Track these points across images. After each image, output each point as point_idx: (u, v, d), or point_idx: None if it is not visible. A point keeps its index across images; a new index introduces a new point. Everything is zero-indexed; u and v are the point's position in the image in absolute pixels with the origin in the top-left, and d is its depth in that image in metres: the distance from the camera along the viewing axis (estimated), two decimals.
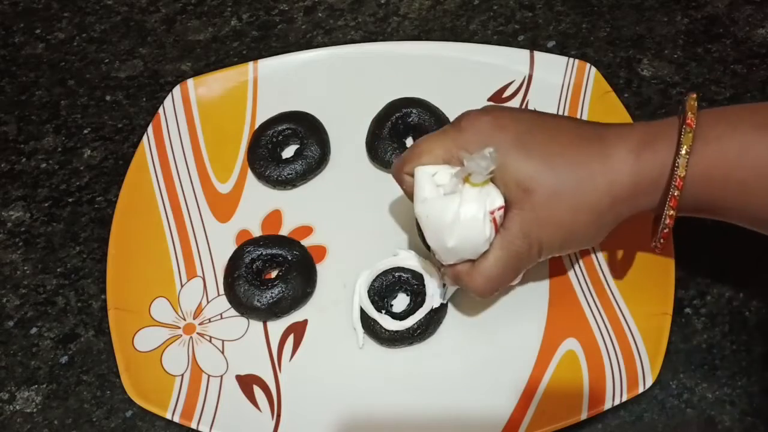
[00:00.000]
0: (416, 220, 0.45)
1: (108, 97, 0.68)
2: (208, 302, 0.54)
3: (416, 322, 0.51)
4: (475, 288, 0.44)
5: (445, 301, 0.51)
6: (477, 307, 0.53)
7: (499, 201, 0.43)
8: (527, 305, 0.52)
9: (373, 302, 0.52)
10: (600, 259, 0.54)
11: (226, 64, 0.68)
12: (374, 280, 0.53)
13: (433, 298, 0.51)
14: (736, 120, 0.41)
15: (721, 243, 0.54)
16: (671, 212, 0.41)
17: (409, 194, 0.46)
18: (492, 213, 0.42)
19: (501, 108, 0.45)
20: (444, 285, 0.51)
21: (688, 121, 0.41)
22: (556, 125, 0.44)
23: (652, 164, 0.41)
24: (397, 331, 0.51)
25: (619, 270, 0.53)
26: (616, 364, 0.49)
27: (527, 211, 0.42)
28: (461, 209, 0.42)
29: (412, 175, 0.45)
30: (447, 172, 0.44)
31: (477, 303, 0.53)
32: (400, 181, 0.47)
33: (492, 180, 0.43)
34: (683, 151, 0.40)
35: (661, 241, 0.43)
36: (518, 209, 0.42)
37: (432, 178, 0.44)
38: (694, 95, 0.42)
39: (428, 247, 0.47)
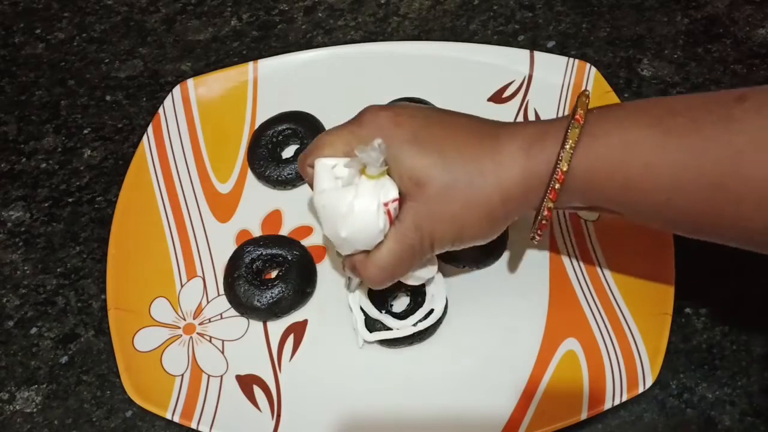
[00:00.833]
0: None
1: (108, 97, 0.68)
2: (208, 302, 0.54)
3: (416, 322, 0.51)
4: (368, 277, 0.45)
5: (351, 291, 0.52)
6: (477, 308, 0.53)
7: (393, 193, 0.43)
8: (527, 305, 0.52)
9: (373, 302, 0.52)
10: (600, 259, 0.54)
11: (226, 64, 0.68)
12: None
13: (434, 298, 0.51)
14: (624, 117, 0.41)
15: (721, 243, 0.54)
16: (550, 204, 0.42)
17: (311, 185, 0.46)
18: (386, 205, 0.43)
19: (403, 105, 0.45)
20: (348, 278, 0.51)
21: (577, 116, 0.41)
22: (454, 122, 0.45)
23: (540, 161, 0.42)
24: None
25: (619, 270, 0.53)
26: (616, 364, 0.49)
27: (420, 204, 0.43)
28: (356, 201, 0.43)
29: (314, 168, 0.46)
30: (347, 166, 0.44)
31: (477, 303, 0.53)
32: (304, 173, 0.47)
33: (389, 173, 0.44)
34: (567, 146, 0.41)
35: (539, 232, 0.44)
36: (412, 202, 0.43)
37: (331, 170, 0.45)
38: (587, 92, 0.43)
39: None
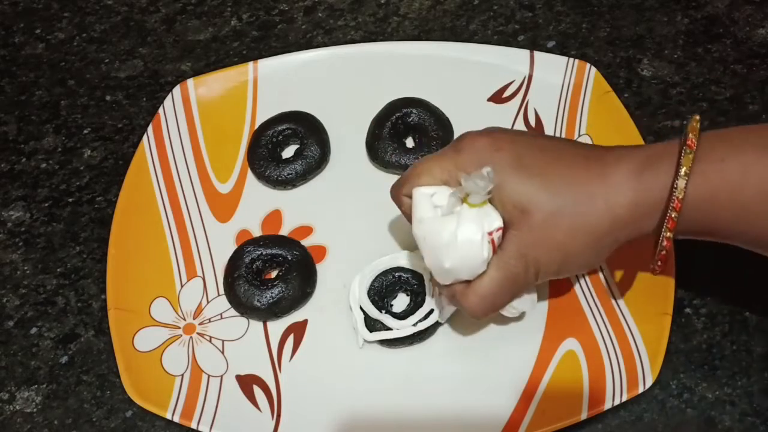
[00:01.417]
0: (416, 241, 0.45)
1: (108, 97, 0.68)
2: (208, 302, 0.54)
3: (416, 322, 0.51)
4: (469, 307, 0.44)
5: (443, 322, 0.51)
6: None
7: (498, 222, 0.42)
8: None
9: (373, 302, 0.52)
10: None
11: (226, 64, 0.68)
12: (374, 280, 0.53)
13: (435, 312, 0.51)
14: (739, 141, 0.40)
15: (721, 243, 0.54)
16: (668, 234, 0.41)
17: (408, 216, 0.46)
18: (490, 234, 0.42)
19: (500, 129, 0.44)
20: (442, 306, 0.50)
21: (689, 142, 0.40)
22: (555, 146, 0.44)
23: (653, 186, 0.41)
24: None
25: (619, 270, 0.53)
26: (616, 364, 0.49)
27: (525, 233, 0.42)
28: (459, 230, 0.42)
29: (411, 197, 0.45)
30: (445, 193, 0.43)
31: None
32: (399, 203, 0.46)
33: (490, 201, 0.43)
34: (682, 172, 0.39)
35: (659, 263, 0.43)
36: (516, 230, 0.42)
37: (430, 199, 0.44)
38: (697, 117, 0.41)
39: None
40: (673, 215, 0.40)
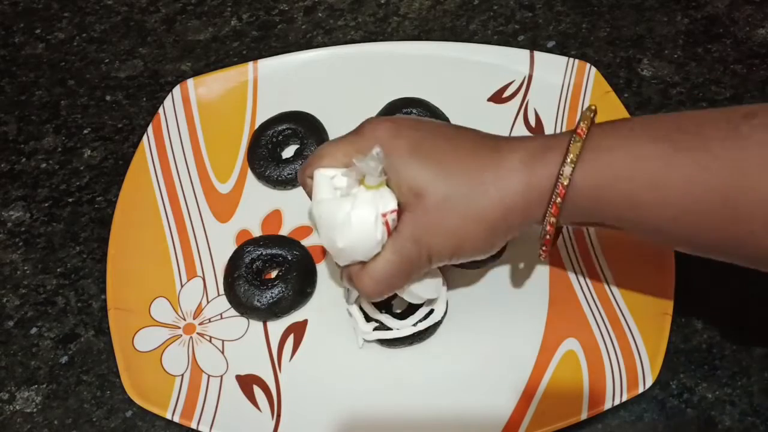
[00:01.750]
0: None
1: (108, 97, 0.68)
2: (208, 302, 0.54)
3: (416, 322, 0.51)
4: (363, 289, 0.44)
5: (350, 304, 0.51)
6: (477, 308, 0.53)
7: (392, 204, 0.43)
8: (527, 305, 0.52)
9: (373, 302, 0.52)
10: (600, 259, 0.54)
11: (226, 64, 0.68)
12: None
13: (436, 311, 0.51)
14: (629, 132, 0.41)
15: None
16: (552, 219, 0.41)
17: (310, 196, 0.46)
18: (384, 216, 0.42)
19: (403, 117, 0.45)
20: (347, 290, 0.50)
21: (579, 131, 0.41)
22: (455, 135, 0.44)
23: (543, 175, 0.41)
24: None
25: (619, 270, 0.53)
26: (616, 364, 0.49)
27: (419, 216, 0.42)
28: (353, 211, 0.42)
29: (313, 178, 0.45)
30: (345, 175, 0.44)
31: (477, 303, 0.53)
32: (303, 184, 0.47)
33: (388, 184, 0.43)
34: (569, 160, 0.40)
35: (543, 248, 0.43)
36: (410, 213, 0.42)
37: (330, 181, 0.44)
38: (593, 107, 0.42)
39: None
40: (557, 201, 0.41)
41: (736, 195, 0.37)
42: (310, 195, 0.46)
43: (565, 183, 0.40)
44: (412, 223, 0.43)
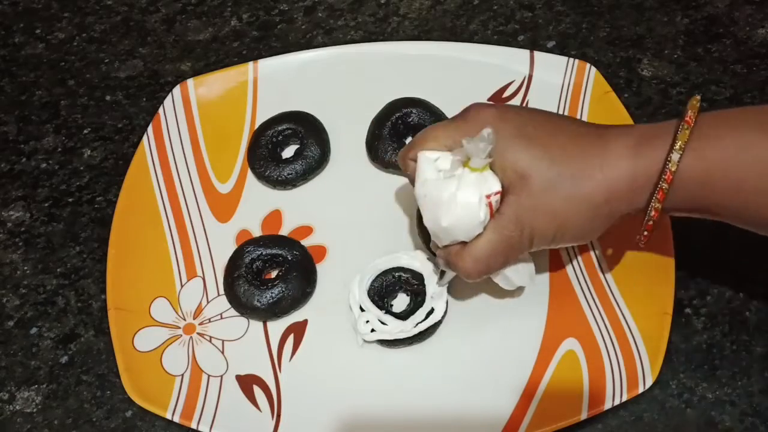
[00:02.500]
0: (417, 208, 0.46)
1: (108, 97, 0.68)
2: (208, 302, 0.54)
3: (417, 323, 0.51)
4: (463, 268, 0.45)
5: (442, 285, 0.51)
6: (477, 308, 0.53)
7: (496, 186, 0.43)
8: (527, 305, 0.52)
9: (373, 302, 0.52)
10: (600, 259, 0.54)
11: (226, 64, 0.68)
12: (374, 280, 0.53)
13: (434, 298, 0.51)
14: (736, 121, 0.41)
15: (721, 243, 0.54)
16: (657, 205, 0.42)
17: (412, 179, 0.47)
18: (488, 197, 0.43)
19: (502, 103, 0.46)
20: (441, 271, 0.51)
21: (687, 118, 0.41)
22: (558, 121, 0.45)
23: (650, 161, 0.42)
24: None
25: (619, 270, 0.53)
26: (616, 364, 0.49)
27: (523, 198, 0.43)
28: (458, 191, 0.43)
29: (416, 161, 0.46)
30: (449, 158, 0.45)
31: (477, 303, 0.53)
32: (405, 167, 0.48)
33: (491, 167, 0.44)
34: (677, 146, 0.40)
35: (645, 233, 0.44)
36: (514, 195, 0.43)
37: (434, 163, 0.45)
38: (698, 96, 0.42)
39: (424, 237, 0.49)
40: (663, 186, 0.41)
41: None
42: (411, 178, 0.47)
43: (673, 169, 0.41)
44: (516, 205, 0.43)
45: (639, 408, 0.49)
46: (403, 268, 0.53)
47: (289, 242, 0.55)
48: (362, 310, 0.52)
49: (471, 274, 0.45)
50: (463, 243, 0.45)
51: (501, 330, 0.52)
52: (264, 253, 0.54)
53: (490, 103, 0.46)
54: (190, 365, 0.51)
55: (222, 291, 0.54)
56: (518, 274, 0.48)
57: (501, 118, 0.44)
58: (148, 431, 0.51)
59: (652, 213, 0.42)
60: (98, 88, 0.68)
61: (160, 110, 0.62)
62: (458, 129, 0.45)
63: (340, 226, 0.57)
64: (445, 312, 0.52)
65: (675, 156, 0.40)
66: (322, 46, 0.67)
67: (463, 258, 0.45)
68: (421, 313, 0.51)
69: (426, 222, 0.46)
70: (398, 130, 0.60)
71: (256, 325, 0.53)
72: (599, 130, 0.44)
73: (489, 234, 0.44)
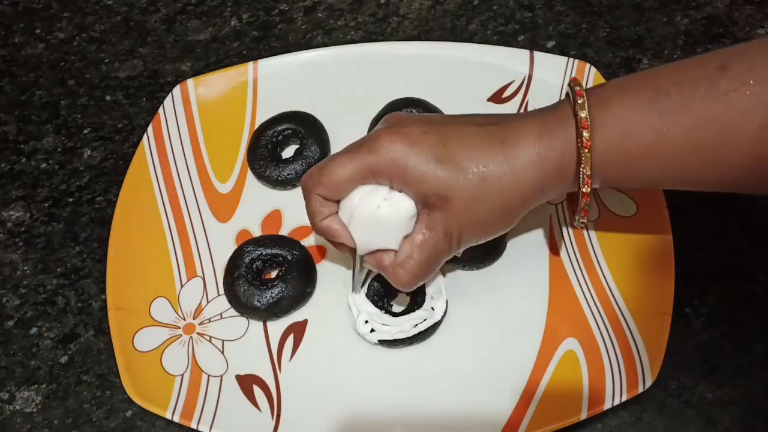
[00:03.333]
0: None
1: (108, 97, 0.68)
2: (208, 302, 0.54)
3: (417, 323, 0.51)
4: (398, 280, 0.47)
5: (357, 292, 0.52)
6: (477, 308, 0.53)
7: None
8: (527, 305, 0.52)
9: (373, 302, 0.52)
10: (600, 259, 0.54)
11: (226, 64, 0.68)
12: (374, 280, 0.53)
13: (434, 298, 0.51)
14: (616, 102, 0.43)
15: (721, 243, 0.54)
16: (587, 171, 0.44)
17: (310, 214, 0.48)
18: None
19: (408, 123, 0.46)
20: (359, 272, 0.51)
21: (577, 91, 0.44)
22: (462, 132, 0.46)
23: (553, 158, 0.44)
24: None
25: (619, 270, 0.53)
26: (616, 364, 0.49)
27: (449, 216, 0.45)
28: (390, 200, 0.46)
29: (324, 197, 0.47)
30: (366, 195, 0.46)
31: (477, 303, 0.53)
32: (308, 199, 0.47)
33: (412, 191, 0.45)
34: (582, 116, 0.43)
35: (584, 205, 0.46)
36: (440, 212, 0.45)
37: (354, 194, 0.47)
38: (574, 77, 0.46)
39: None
40: (584, 153, 0.43)
41: (724, 148, 0.41)
42: (310, 213, 0.47)
43: (586, 136, 0.43)
44: (443, 222, 0.45)
45: (639, 408, 0.49)
46: None
47: (289, 242, 0.55)
48: (362, 310, 0.52)
49: (406, 286, 0.48)
50: (391, 250, 0.47)
51: (501, 330, 0.52)
52: (264, 253, 0.54)
53: (391, 121, 0.46)
54: (190, 365, 0.51)
55: (222, 291, 0.54)
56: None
57: (411, 145, 0.44)
58: (148, 431, 0.51)
59: (585, 180, 0.44)
60: (98, 88, 0.68)
61: (160, 110, 0.62)
62: (369, 165, 0.45)
63: None
64: (445, 312, 0.52)
65: (582, 115, 0.43)
66: (322, 46, 0.67)
67: (397, 272, 0.47)
68: (420, 313, 0.51)
69: (356, 237, 0.47)
70: None
71: (256, 325, 0.53)
72: (503, 132, 0.45)
73: (421, 252, 0.46)
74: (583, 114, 0.43)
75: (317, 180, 0.46)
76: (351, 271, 0.54)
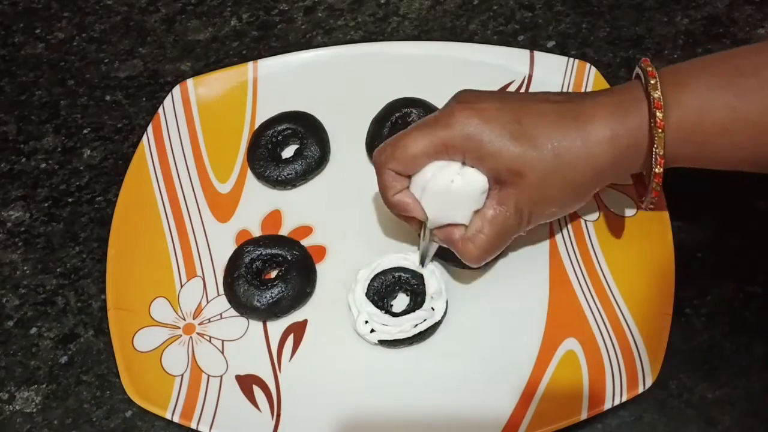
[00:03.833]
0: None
1: (108, 97, 0.68)
2: (207, 302, 0.54)
3: (417, 323, 0.51)
4: (467, 255, 0.48)
5: (424, 266, 0.52)
6: (477, 308, 0.53)
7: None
8: (527, 305, 0.52)
9: (373, 302, 0.52)
10: (600, 259, 0.54)
11: (226, 64, 0.68)
12: (374, 280, 0.53)
13: (434, 298, 0.51)
14: (693, 82, 0.44)
15: (721, 243, 0.54)
16: (660, 151, 0.44)
17: (383, 188, 0.48)
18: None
19: (481, 98, 0.47)
20: (422, 256, 0.52)
21: (649, 71, 0.44)
22: (536, 109, 0.46)
23: (626, 136, 0.45)
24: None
25: (619, 270, 0.53)
26: (616, 364, 0.49)
27: (520, 191, 0.46)
28: (464, 175, 0.46)
29: (397, 172, 0.47)
30: (439, 169, 0.46)
31: (477, 303, 0.53)
32: (380, 173, 0.48)
33: (488, 165, 0.45)
34: (655, 96, 0.43)
35: (655, 186, 0.46)
36: (513, 188, 0.46)
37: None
38: (645, 59, 0.46)
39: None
40: (659, 134, 0.43)
41: None
42: (382, 188, 0.48)
43: (660, 116, 0.43)
44: (515, 198, 0.46)
45: (639, 408, 0.49)
46: (402, 268, 0.53)
47: (289, 242, 0.55)
48: (362, 310, 0.52)
49: (476, 261, 0.48)
50: (462, 225, 0.47)
51: (501, 330, 0.52)
52: (264, 253, 0.54)
53: (466, 98, 0.47)
54: (190, 365, 0.51)
55: (222, 291, 0.54)
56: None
57: (486, 121, 0.45)
58: (148, 431, 0.51)
59: (658, 160, 0.44)
60: (98, 88, 0.68)
61: (160, 110, 0.62)
62: (443, 140, 0.45)
63: (340, 226, 0.57)
64: (445, 312, 0.52)
65: (656, 95, 0.43)
66: (322, 46, 0.67)
67: (467, 247, 0.47)
68: (420, 313, 0.51)
69: (428, 211, 0.47)
70: (398, 130, 0.59)
71: (256, 325, 0.53)
72: (576, 112, 0.46)
73: (493, 227, 0.46)
74: (656, 94, 0.43)
75: (391, 155, 0.47)
76: (350, 271, 0.54)
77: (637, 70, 0.46)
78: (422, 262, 0.52)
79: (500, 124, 0.45)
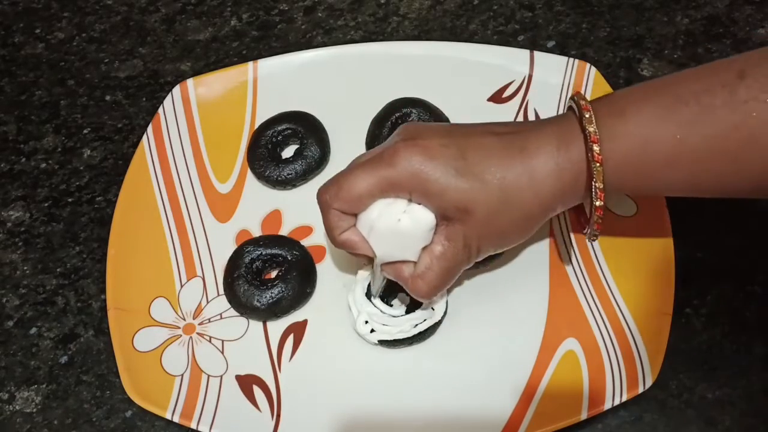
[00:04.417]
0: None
1: (108, 97, 0.68)
2: (207, 302, 0.54)
3: (417, 323, 0.51)
4: (420, 294, 0.47)
5: (375, 297, 0.51)
6: (477, 308, 0.53)
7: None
8: (527, 305, 0.52)
9: (373, 302, 0.52)
10: (600, 259, 0.54)
11: (226, 64, 0.68)
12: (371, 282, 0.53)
13: (434, 298, 0.51)
14: (633, 111, 0.43)
15: (721, 243, 0.54)
16: (599, 185, 0.43)
17: (329, 228, 0.47)
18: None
19: (425, 134, 0.45)
20: (378, 280, 0.51)
21: (583, 106, 0.44)
22: (481, 143, 0.45)
23: (570, 169, 0.44)
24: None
25: (619, 270, 0.53)
26: (616, 364, 0.49)
27: (469, 227, 0.45)
28: (410, 212, 0.45)
29: (342, 211, 0.46)
30: (386, 207, 0.46)
31: (477, 303, 0.53)
32: (325, 212, 0.47)
33: (433, 202, 0.45)
34: (590, 130, 0.43)
35: (596, 218, 0.45)
36: (460, 225, 0.45)
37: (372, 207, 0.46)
38: (579, 92, 0.45)
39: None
40: (597, 168, 0.43)
41: (745, 155, 0.41)
42: (328, 228, 0.47)
43: (597, 150, 0.43)
44: (463, 233, 0.45)
45: (639, 408, 0.49)
46: None
47: (289, 242, 0.55)
48: (362, 310, 0.52)
49: (426, 297, 0.47)
50: (410, 261, 0.47)
51: (501, 330, 0.52)
52: (264, 253, 0.54)
53: (406, 133, 0.46)
54: (190, 365, 0.51)
55: (222, 291, 0.54)
56: None
57: (431, 158, 0.44)
58: (147, 431, 0.51)
59: (598, 194, 0.44)
60: (98, 88, 0.68)
61: (160, 110, 0.62)
62: (388, 179, 0.44)
63: None
64: (445, 312, 0.52)
65: (591, 129, 0.43)
66: (322, 46, 0.67)
67: (417, 284, 0.47)
68: (420, 313, 0.51)
69: (376, 249, 0.47)
70: None
71: (256, 325, 0.53)
72: (520, 143, 0.45)
73: (441, 263, 0.46)
74: (591, 128, 0.43)
75: (335, 194, 0.46)
76: (350, 271, 0.54)
77: (570, 102, 0.45)
78: (373, 294, 0.52)
79: (445, 160, 0.44)
